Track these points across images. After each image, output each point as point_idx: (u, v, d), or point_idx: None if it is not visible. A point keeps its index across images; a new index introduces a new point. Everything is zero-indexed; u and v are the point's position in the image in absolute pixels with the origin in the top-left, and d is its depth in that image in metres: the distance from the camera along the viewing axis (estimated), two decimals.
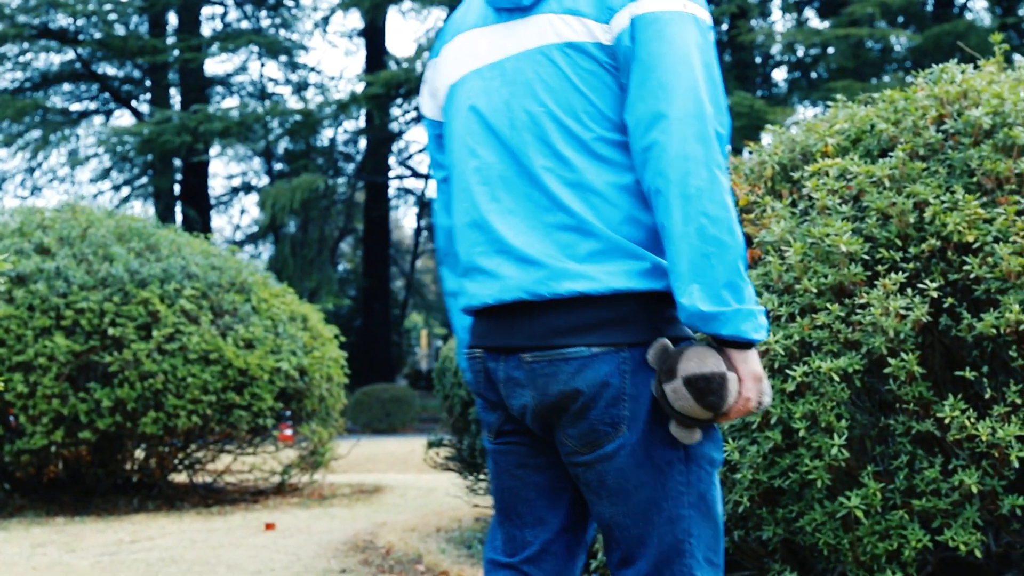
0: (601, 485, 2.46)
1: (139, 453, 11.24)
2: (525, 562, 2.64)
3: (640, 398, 2.42)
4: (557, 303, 2.44)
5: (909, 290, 4.08)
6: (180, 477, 12.03)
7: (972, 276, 4.04)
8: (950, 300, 4.05)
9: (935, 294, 4.03)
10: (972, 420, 3.93)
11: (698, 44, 2.42)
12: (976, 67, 4.89)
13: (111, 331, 10.03)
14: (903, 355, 3.98)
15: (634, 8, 2.42)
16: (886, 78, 27.81)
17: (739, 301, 2.32)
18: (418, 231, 43.55)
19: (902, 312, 4.00)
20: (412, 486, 12.56)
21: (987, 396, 4.02)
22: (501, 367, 2.54)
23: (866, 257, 4.15)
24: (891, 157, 4.39)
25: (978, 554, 3.99)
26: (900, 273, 4.09)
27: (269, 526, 9.13)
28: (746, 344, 2.35)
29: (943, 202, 4.17)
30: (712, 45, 2.47)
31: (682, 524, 2.44)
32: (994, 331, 3.94)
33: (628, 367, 2.42)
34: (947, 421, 3.96)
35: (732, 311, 2.32)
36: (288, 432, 11.65)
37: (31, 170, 34.30)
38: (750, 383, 2.36)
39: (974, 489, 3.91)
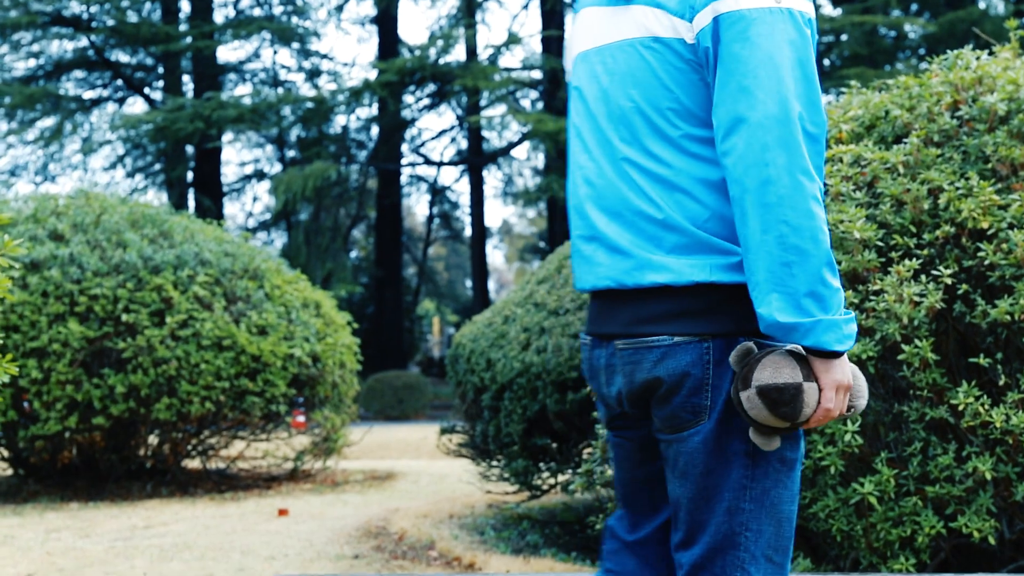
0: (675, 464, 2.46)
1: (153, 439, 11.26)
2: (634, 544, 2.65)
3: (722, 388, 2.41)
4: (643, 292, 2.45)
5: (923, 276, 4.07)
6: (193, 463, 12.06)
7: (986, 263, 4.03)
8: (964, 287, 4.05)
9: (949, 280, 4.03)
10: (986, 407, 3.93)
11: (790, 41, 2.35)
12: (991, 53, 4.88)
13: (125, 317, 10.05)
14: (917, 341, 3.98)
15: (717, 6, 2.37)
16: (900, 65, 27.74)
17: (824, 311, 2.29)
18: (430, 218, 43.55)
19: (916, 299, 4.00)
20: (425, 472, 12.58)
21: (1001, 383, 4.02)
22: (602, 354, 2.57)
23: (880, 244, 4.14)
24: (905, 143, 4.39)
25: (991, 541, 3.99)
26: (914, 259, 4.09)
27: (282, 512, 9.15)
28: (830, 354, 2.31)
29: (958, 188, 4.17)
30: (809, 39, 2.38)
31: (740, 517, 2.43)
32: (1008, 318, 3.93)
33: (711, 357, 2.41)
34: (961, 408, 3.96)
35: (812, 322, 2.28)
36: (301, 419, 11.66)
37: (45, 158, 34.36)
38: (831, 393, 2.33)
39: (988, 476, 3.91)
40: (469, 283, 48.73)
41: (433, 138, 37.94)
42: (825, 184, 2.39)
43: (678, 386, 2.42)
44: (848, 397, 2.36)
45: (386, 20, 34.71)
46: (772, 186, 2.26)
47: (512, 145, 35.22)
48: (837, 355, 2.31)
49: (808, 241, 2.26)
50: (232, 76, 35.45)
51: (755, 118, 2.29)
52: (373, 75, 31.86)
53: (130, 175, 34.76)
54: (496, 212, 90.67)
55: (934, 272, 4.08)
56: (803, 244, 2.26)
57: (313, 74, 35.13)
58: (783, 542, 2.44)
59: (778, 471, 2.44)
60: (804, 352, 2.33)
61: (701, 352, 2.41)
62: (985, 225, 4.05)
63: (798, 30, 2.35)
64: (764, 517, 2.43)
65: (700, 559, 2.45)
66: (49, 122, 32.60)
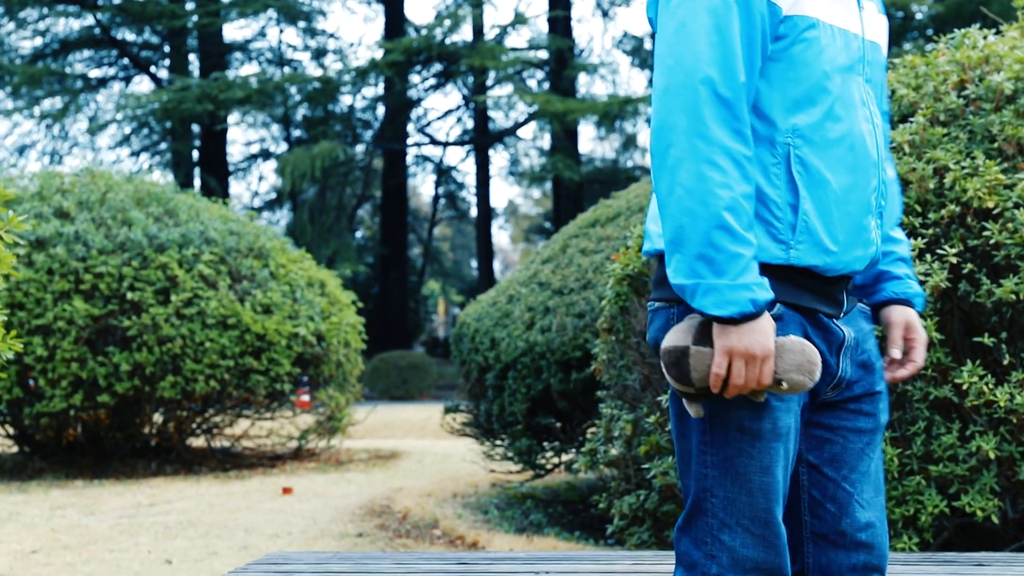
0: None
1: (157, 417, 11.28)
2: None
3: None
4: (655, 261, 2.52)
5: (928, 256, 4.07)
6: (198, 441, 12.08)
7: (992, 242, 4.02)
8: (969, 266, 4.04)
9: (954, 260, 4.02)
10: (990, 386, 3.93)
11: (709, 8, 2.33)
12: (999, 32, 4.86)
13: (130, 295, 10.06)
14: (922, 320, 3.97)
15: None
16: (907, 46, 27.65)
17: (713, 275, 2.27)
18: (436, 199, 43.53)
19: (921, 278, 3.99)
20: (429, 452, 12.59)
21: (1005, 362, 4.01)
22: None
23: None
24: (911, 122, 4.37)
25: (995, 520, 3.99)
26: (919, 239, 4.08)
27: (286, 490, 9.16)
28: (723, 319, 2.29)
29: (963, 168, 4.15)
30: (736, 7, 2.33)
31: (704, 483, 2.43)
32: (1013, 297, 3.92)
33: (674, 322, 2.42)
34: (965, 387, 3.95)
35: (694, 284, 2.29)
36: (305, 398, 11.67)
37: (52, 137, 34.36)
38: (720, 359, 2.30)
39: (991, 455, 3.91)
40: (474, 263, 48.74)
41: (439, 118, 37.90)
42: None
43: (657, 350, 2.43)
44: (764, 368, 2.31)
45: None
46: (672, 149, 2.29)
47: (518, 125, 35.19)
48: (732, 320, 2.28)
49: (698, 204, 2.27)
50: (238, 55, 35.42)
51: (663, 85, 2.32)
52: (379, 55, 31.80)
53: (136, 154, 34.77)
54: (502, 192, 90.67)
55: (939, 251, 4.07)
56: (694, 207, 2.27)
57: (319, 53, 35.11)
58: (759, 513, 2.40)
59: (739, 440, 2.41)
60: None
61: (668, 317, 2.43)
62: (991, 204, 4.04)
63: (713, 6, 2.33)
64: (731, 485, 2.41)
65: (683, 521, 2.47)
66: (56, 102, 32.59)
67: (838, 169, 2.39)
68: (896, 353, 2.55)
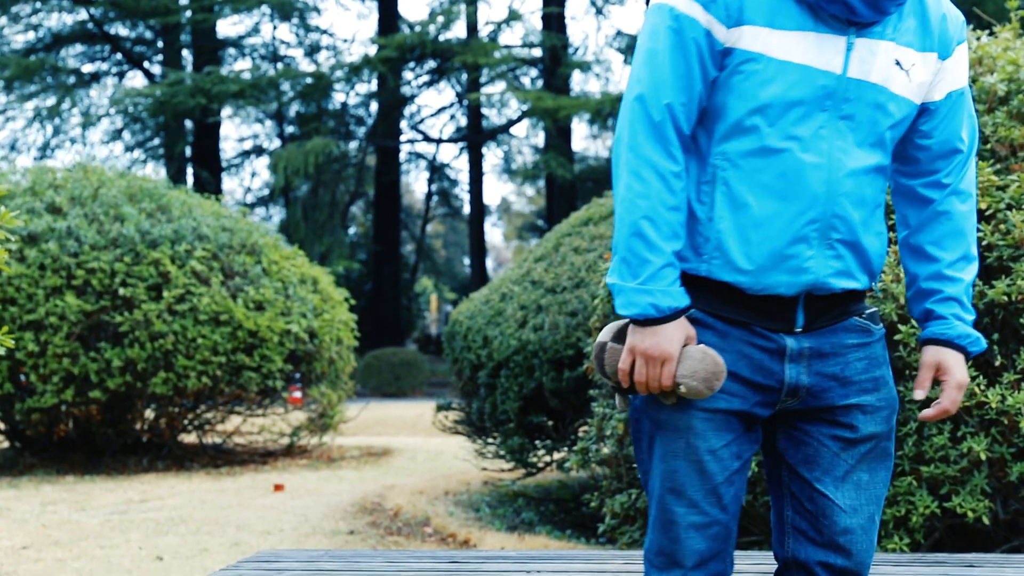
0: None
1: (149, 413, 11.26)
2: None
3: None
4: None
5: None
6: (190, 438, 12.07)
7: (984, 243, 4.03)
8: None
9: None
10: (982, 387, 3.93)
11: (651, 33, 2.54)
12: (992, 33, 4.86)
13: (122, 291, 10.05)
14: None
15: None
16: None
17: (627, 278, 2.49)
18: (429, 196, 43.50)
19: None
20: (421, 449, 12.59)
21: (997, 363, 4.02)
22: None
23: None
24: None
25: (986, 521, 4.00)
26: None
27: (278, 487, 9.16)
28: (633, 319, 2.49)
29: None
30: (668, 30, 2.50)
31: (640, 467, 2.69)
32: (1005, 298, 3.93)
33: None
34: None
35: (614, 285, 2.51)
36: (297, 394, 11.67)
37: (45, 133, 34.30)
38: (625, 355, 2.51)
39: (983, 456, 3.92)
40: (467, 261, 48.71)
41: (432, 115, 37.86)
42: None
43: None
44: (663, 370, 2.48)
45: None
46: (618, 161, 2.54)
47: (512, 123, 35.19)
48: (638, 321, 2.48)
49: (624, 211, 2.50)
50: (232, 51, 35.36)
51: (623, 99, 2.55)
52: (373, 51, 31.78)
53: (129, 149, 34.72)
54: (495, 190, 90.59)
55: None
56: (622, 214, 2.50)
57: (312, 49, 35.06)
58: (658, 499, 2.59)
59: (650, 431, 2.64)
60: None
61: None
62: (984, 206, 4.04)
63: (661, 17, 2.52)
64: (654, 472, 2.62)
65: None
66: (50, 100, 32.52)
67: (763, 196, 2.51)
68: (918, 394, 2.64)
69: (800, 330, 2.60)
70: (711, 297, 2.60)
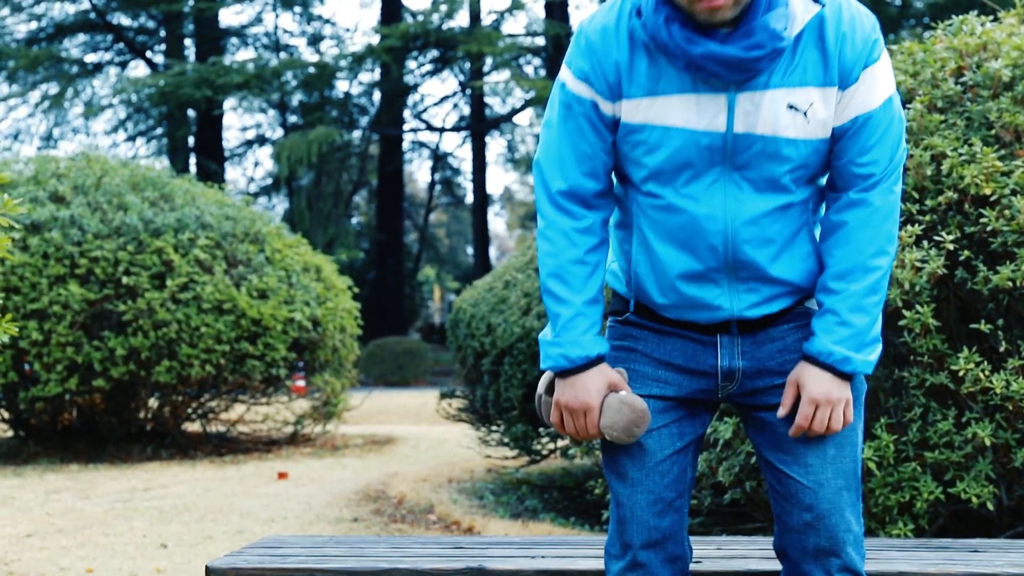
0: None
1: (153, 402, 11.27)
2: None
3: None
4: None
5: (925, 242, 4.06)
6: (193, 426, 12.07)
7: (989, 229, 4.02)
8: (966, 253, 4.04)
9: (951, 246, 4.02)
10: (986, 373, 3.93)
11: (549, 102, 2.77)
12: (996, 19, 4.85)
13: (125, 280, 10.04)
14: (918, 307, 3.97)
15: None
16: (904, 34, 27.61)
17: (543, 333, 2.75)
18: (432, 185, 43.46)
19: (918, 264, 3.99)
20: (424, 437, 12.59)
21: (1002, 349, 4.01)
22: None
23: None
24: (909, 109, 4.36)
25: (990, 507, 3.99)
26: (916, 225, 4.08)
27: (282, 475, 9.16)
28: (553, 372, 2.73)
29: (961, 155, 4.15)
30: (559, 101, 2.71)
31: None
32: (1010, 284, 3.92)
33: None
34: (961, 374, 3.95)
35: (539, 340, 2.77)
36: (301, 383, 11.67)
37: (48, 123, 34.29)
38: (553, 410, 2.72)
39: (987, 442, 3.91)
40: (470, 250, 48.69)
41: (435, 104, 37.82)
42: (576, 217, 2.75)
43: None
44: (587, 420, 2.67)
45: None
46: None
47: (515, 111, 35.13)
48: (559, 373, 2.70)
49: (540, 271, 2.76)
50: (234, 40, 35.34)
51: None
52: (376, 40, 31.72)
53: (131, 139, 34.71)
54: (498, 179, 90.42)
55: (936, 238, 4.07)
56: (540, 273, 2.77)
57: (315, 39, 35.03)
58: (615, 492, 2.75)
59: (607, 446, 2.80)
60: None
61: None
62: (988, 191, 4.03)
63: (557, 95, 2.73)
64: (606, 468, 2.81)
65: None
66: (53, 90, 32.50)
67: (669, 244, 2.69)
68: (779, 412, 2.69)
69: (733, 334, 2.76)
70: (643, 311, 2.80)
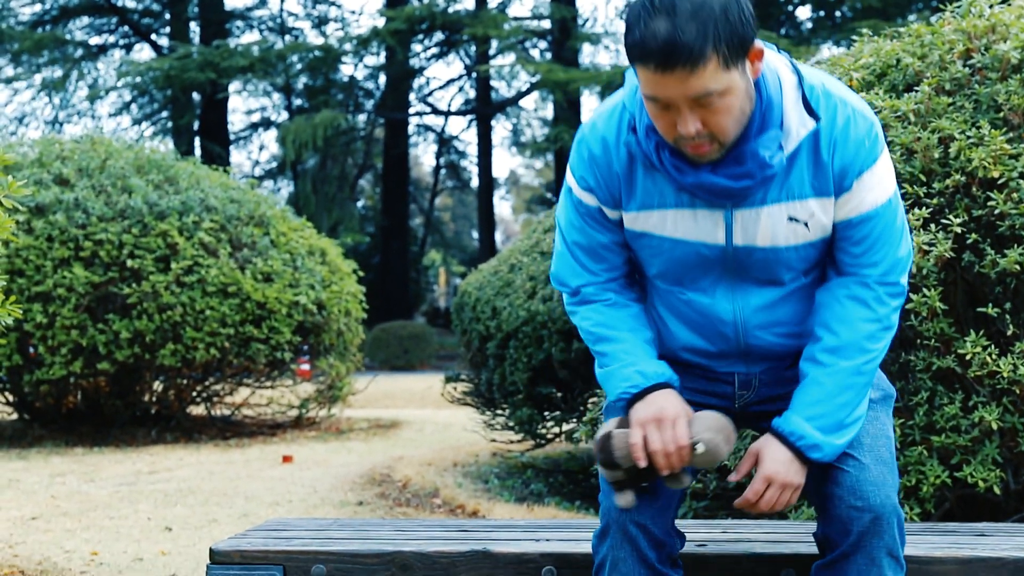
0: None
1: (157, 385, 11.28)
2: None
3: None
4: None
5: (932, 225, 4.04)
6: (198, 410, 12.08)
7: (997, 212, 4.00)
8: (974, 236, 4.02)
9: (959, 230, 4.00)
10: (994, 356, 3.91)
11: (559, 204, 2.91)
12: (1005, 1, 4.82)
13: (130, 263, 10.04)
14: (925, 291, 3.95)
15: None
16: (912, 17, 27.53)
17: (605, 367, 2.81)
18: (437, 169, 43.45)
19: (925, 247, 3.97)
20: (429, 421, 12.59)
21: (1009, 333, 4.00)
22: None
23: None
24: (916, 92, 4.34)
25: (997, 491, 3.98)
26: (924, 208, 4.06)
27: (286, 459, 9.16)
28: (628, 398, 2.71)
29: (968, 137, 4.13)
30: (569, 202, 2.83)
31: None
32: (1018, 267, 3.90)
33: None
34: (968, 357, 3.94)
35: (598, 377, 2.84)
36: (305, 366, 11.67)
37: (53, 106, 34.27)
38: (635, 430, 2.63)
39: (994, 426, 3.89)
40: (476, 234, 48.69)
41: (441, 87, 37.84)
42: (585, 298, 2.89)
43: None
44: (677, 429, 2.60)
45: None
46: None
47: (521, 95, 35.08)
48: (637, 393, 2.68)
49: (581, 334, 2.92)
50: (239, 23, 35.30)
51: None
52: (381, 23, 31.68)
53: (136, 122, 34.69)
54: (503, 163, 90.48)
55: (943, 221, 4.05)
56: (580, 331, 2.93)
57: (321, 22, 34.99)
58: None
59: None
60: None
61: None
62: (996, 174, 4.01)
63: (567, 197, 2.84)
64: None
65: None
66: (58, 73, 32.48)
67: (685, 326, 2.80)
68: (732, 476, 2.71)
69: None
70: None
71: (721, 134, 2.51)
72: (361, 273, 12.30)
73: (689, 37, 2.39)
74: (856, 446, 2.68)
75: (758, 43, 2.52)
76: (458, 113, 37.83)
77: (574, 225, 2.82)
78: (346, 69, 34.70)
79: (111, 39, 34.84)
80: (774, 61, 2.63)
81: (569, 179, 2.81)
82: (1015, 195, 3.97)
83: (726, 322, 2.75)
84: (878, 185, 2.65)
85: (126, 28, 34.40)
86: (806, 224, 2.64)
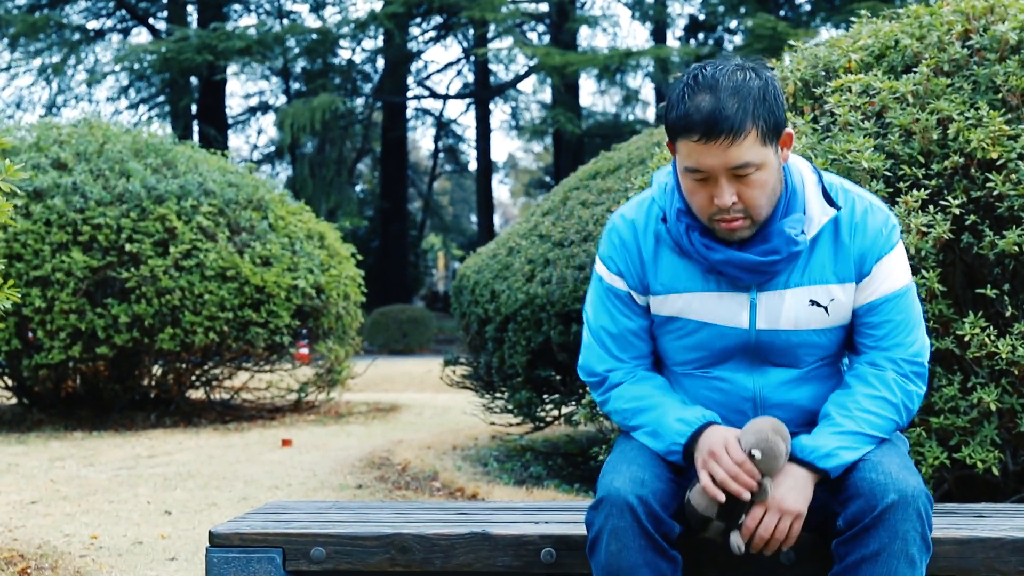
0: None
1: (156, 369, 11.28)
2: None
3: None
4: None
5: (931, 207, 4.04)
6: (197, 394, 12.08)
7: (995, 193, 4.00)
8: (972, 217, 4.01)
9: (957, 211, 3.99)
10: (992, 338, 3.91)
11: (591, 282, 3.04)
12: None
13: (128, 247, 10.03)
14: (924, 272, 3.95)
15: None
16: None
17: (652, 432, 2.92)
18: (436, 152, 43.40)
19: (924, 229, 3.97)
20: (428, 405, 12.60)
21: (1008, 314, 4.00)
22: None
23: (888, 174, 4.10)
24: (915, 73, 4.33)
25: (995, 472, 3.98)
26: (922, 190, 4.05)
27: (286, 442, 9.17)
28: (682, 446, 2.84)
29: (967, 118, 4.12)
30: (600, 287, 2.98)
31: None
32: (1016, 248, 3.90)
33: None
34: (967, 339, 3.94)
35: (652, 445, 2.91)
36: (304, 350, 11.67)
37: (50, 90, 34.20)
38: (702, 473, 2.76)
39: (992, 407, 3.90)
40: (474, 218, 48.67)
41: (439, 71, 37.75)
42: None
43: None
44: (730, 451, 2.73)
45: None
46: None
47: (519, 78, 35.04)
48: (687, 441, 2.82)
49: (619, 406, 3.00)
50: (236, 7, 35.21)
51: None
52: (379, 6, 31.61)
53: (134, 106, 34.63)
54: (502, 146, 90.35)
55: (942, 202, 4.05)
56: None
57: (318, 5, 34.89)
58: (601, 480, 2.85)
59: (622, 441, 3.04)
60: None
61: None
62: (994, 155, 4.01)
63: (597, 283, 3.00)
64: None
65: None
66: (55, 58, 32.40)
67: (708, 404, 2.91)
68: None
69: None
70: None
71: (754, 209, 2.73)
72: (360, 257, 12.29)
73: (731, 111, 2.64)
74: (874, 454, 2.78)
75: (789, 129, 2.77)
76: (456, 97, 37.79)
77: (602, 313, 2.98)
78: (344, 53, 34.65)
79: (108, 23, 34.77)
80: (796, 160, 2.89)
81: (599, 267, 2.98)
82: (1014, 176, 3.96)
83: (746, 398, 2.88)
84: (898, 270, 2.86)
85: (123, 12, 34.32)
86: (826, 309, 2.83)
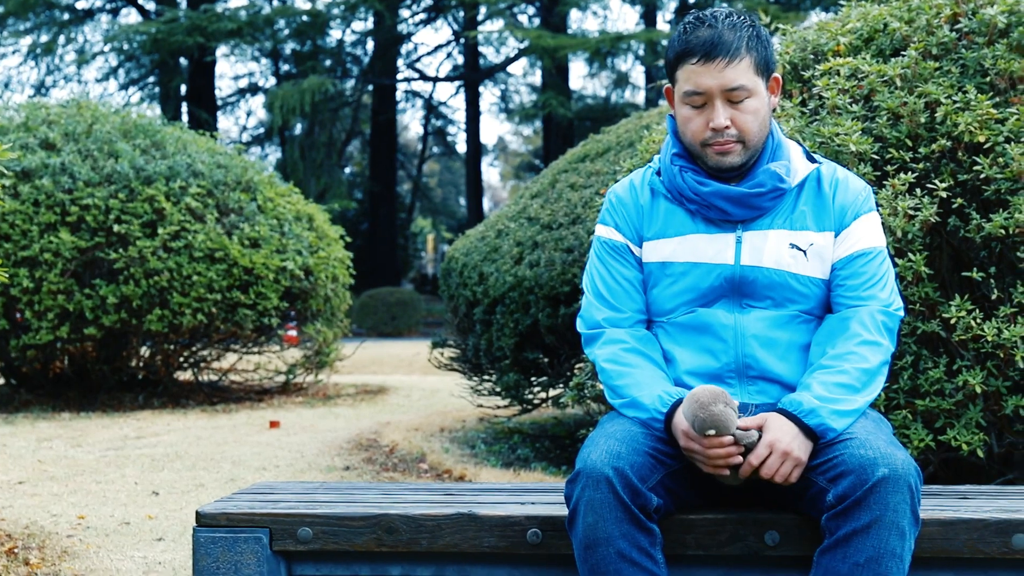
0: None
1: (144, 350, 11.27)
2: None
3: None
4: None
5: (918, 190, 4.05)
6: (185, 375, 12.07)
7: (982, 176, 4.00)
8: (959, 200, 4.02)
9: (944, 194, 4.00)
10: (978, 321, 3.92)
11: (591, 248, 3.21)
12: None
13: (116, 228, 10.01)
14: (911, 255, 3.96)
15: None
16: None
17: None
18: (425, 135, 43.35)
19: (911, 212, 3.97)
20: (416, 387, 12.61)
21: (994, 297, 4.01)
22: None
23: (875, 157, 4.11)
24: (903, 56, 4.33)
25: (980, 454, 4.00)
26: (909, 173, 4.06)
27: (273, 424, 9.17)
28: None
29: (955, 102, 4.13)
30: (596, 251, 3.17)
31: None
32: (1003, 232, 3.91)
33: None
34: (953, 322, 3.95)
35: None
36: (293, 332, 11.67)
37: (39, 71, 34.09)
38: (683, 442, 2.89)
39: (978, 389, 3.91)
40: (463, 200, 48.64)
41: (429, 53, 37.70)
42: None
43: None
44: (687, 441, 2.84)
45: None
46: None
47: (509, 61, 35.00)
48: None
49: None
50: None
51: None
52: None
53: (123, 87, 34.55)
54: (492, 129, 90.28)
55: (929, 186, 4.05)
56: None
57: None
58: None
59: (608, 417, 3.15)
60: None
61: None
62: (982, 139, 4.01)
63: (598, 246, 3.18)
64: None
65: None
66: (44, 38, 32.29)
67: (682, 346, 3.07)
68: (740, 422, 2.89)
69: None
70: None
71: (747, 134, 2.96)
72: (348, 239, 12.28)
73: (728, 38, 2.93)
74: (857, 432, 2.85)
75: (777, 74, 3.05)
76: (446, 79, 37.73)
77: (601, 268, 3.15)
78: (334, 34, 34.57)
79: (98, 3, 34.67)
80: (782, 133, 3.15)
81: (597, 229, 3.19)
82: (1000, 159, 3.97)
83: (726, 327, 3.01)
84: (875, 231, 3.07)
85: None
86: (805, 252, 3.00)
